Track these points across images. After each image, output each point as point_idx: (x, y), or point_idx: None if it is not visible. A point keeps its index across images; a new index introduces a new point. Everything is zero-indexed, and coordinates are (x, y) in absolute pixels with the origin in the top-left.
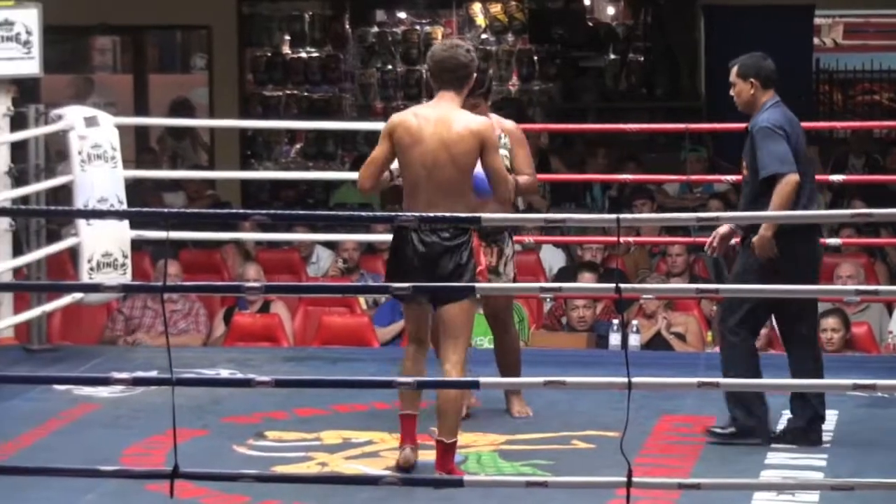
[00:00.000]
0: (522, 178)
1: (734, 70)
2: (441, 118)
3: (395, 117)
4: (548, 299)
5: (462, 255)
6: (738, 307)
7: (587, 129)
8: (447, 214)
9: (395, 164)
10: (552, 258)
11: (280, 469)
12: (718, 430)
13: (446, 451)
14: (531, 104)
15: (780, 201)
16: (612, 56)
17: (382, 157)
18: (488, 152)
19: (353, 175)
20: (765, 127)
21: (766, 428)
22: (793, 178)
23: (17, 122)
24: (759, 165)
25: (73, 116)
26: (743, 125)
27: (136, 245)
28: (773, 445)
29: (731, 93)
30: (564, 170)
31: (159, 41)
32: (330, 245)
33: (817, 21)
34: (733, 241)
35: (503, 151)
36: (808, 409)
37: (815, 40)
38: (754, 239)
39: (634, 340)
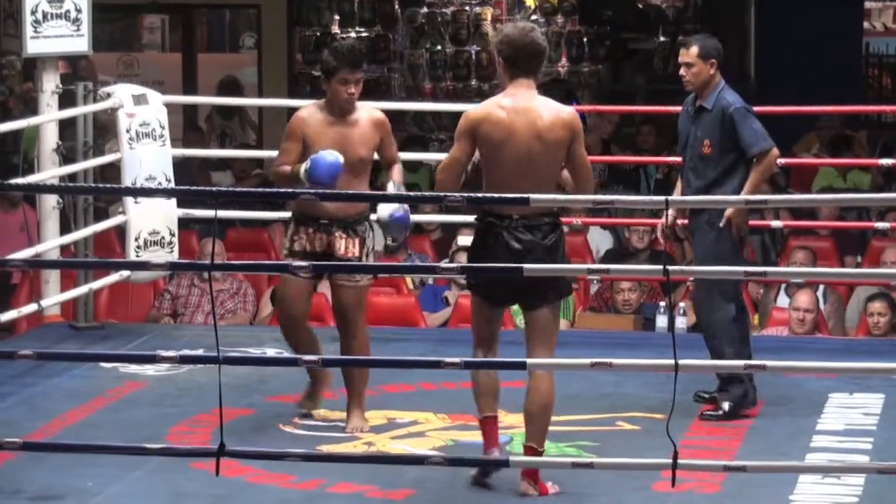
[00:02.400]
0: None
1: (694, 50)
2: (529, 108)
3: (475, 113)
4: (595, 281)
5: (557, 254)
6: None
7: (635, 110)
8: (495, 195)
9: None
10: (600, 240)
11: (326, 448)
12: (712, 413)
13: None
14: (580, 86)
15: (766, 173)
16: (662, 38)
17: (465, 156)
18: (577, 142)
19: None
20: (741, 107)
21: (754, 394)
22: (776, 151)
23: (66, 100)
24: (747, 143)
25: (121, 94)
26: (794, 108)
27: (184, 224)
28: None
29: (684, 73)
30: (620, 153)
31: (208, 20)
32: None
33: (867, 5)
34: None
35: None
36: (740, 387)
37: (865, 24)
38: (730, 213)
39: (681, 323)
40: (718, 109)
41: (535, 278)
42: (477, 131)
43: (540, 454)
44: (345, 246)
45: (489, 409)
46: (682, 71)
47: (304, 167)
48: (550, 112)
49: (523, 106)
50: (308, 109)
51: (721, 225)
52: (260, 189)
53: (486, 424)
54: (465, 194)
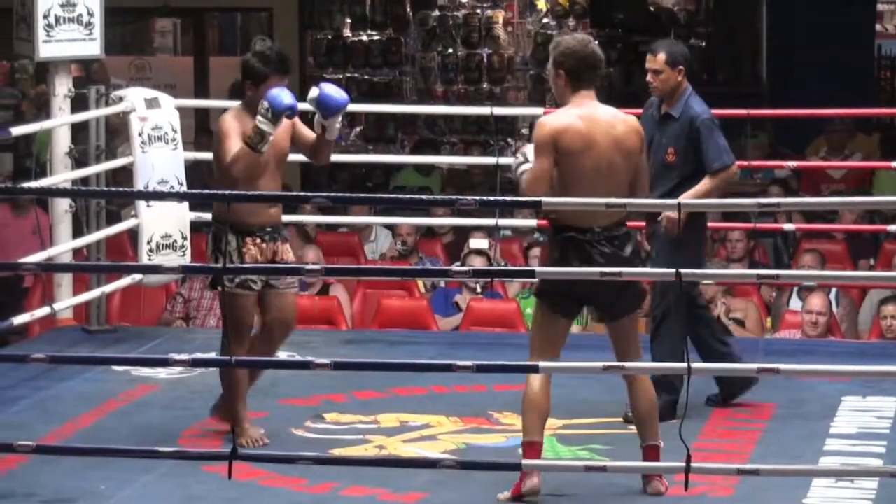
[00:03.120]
0: None
1: (661, 57)
2: (603, 117)
3: (553, 124)
4: None
5: (636, 265)
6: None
7: None
8: (504, 198)
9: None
10: None
11: (338, 452)
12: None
13: (659, 453)
14: None
15: (720, 186)
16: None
17: (551, 167)
18: (644, 149)
19: (414, 158)
20: (707, 119)
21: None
22: (735, 168)
23: (78, 103)
24: (711, 158)
25: (133, 98)
26: (806, 111)
27: (196, 227)
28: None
29: (651, 79)
30: None
31: (220, 23)
32: (388, 225)
33: (880, 7)
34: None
35: None
36: (674, 392)
37: (878, 26)
38: (666, 220)
39: None
40: (686, 119)
41: (619, 290)
42: (558, 142)
43: (660, 450)
44: (288, 252)
45: (538, 434)
46: (649, 77)
47: (259, 116)
48: (622, 120)
49: (597, 115)
50: (233, 114)
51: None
52: (272, 192)
53: (533, 449)
54: (478, 197)
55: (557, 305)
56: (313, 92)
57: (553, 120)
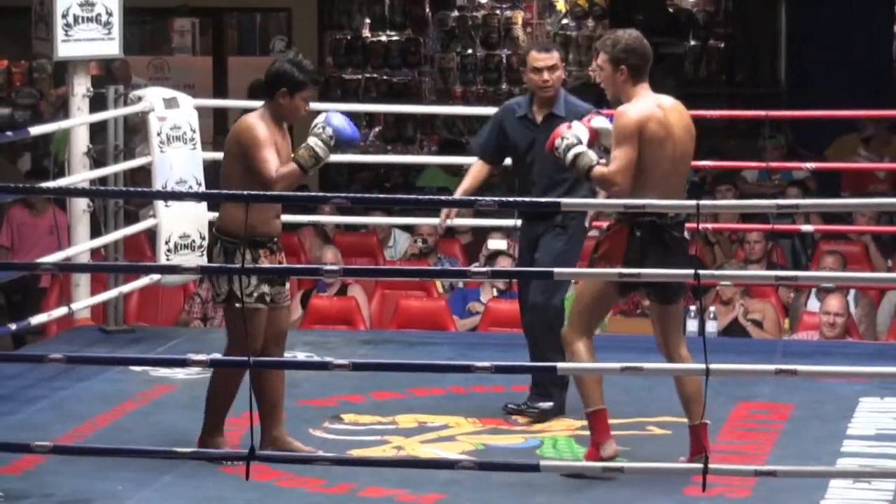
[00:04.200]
0: None
1: (556, 54)
2: (674, 106)
3: (637, 112)
4: None
5: (688, 248)
6: (562, 288)
7: None
8: (523, 199)
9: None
10: None
11: (356, 452)
12: (530, 408)
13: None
14: None
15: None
16: (693, 42)
17: (635, 155)
18: None
19: (434, 159)
20: None
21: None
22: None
23: (97, 103)
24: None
25: (152, 98)
26: (824, 112)
27: None
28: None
29: (547, 77)
30: None
31: (239, 23)
32: (407, 228)
33: None
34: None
35: None
36: (562, 396)
37: None
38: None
39: (711, 327)
40: (576, 116)
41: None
42: (644, 130)
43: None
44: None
45: (601, 399)
46: (545, 76)
47: (319, 140)
48: (685, 110)
49: (669, 106)
50: (257, 119)
51: (587, 225)
52: (290, 193)
53: (600, 416)
54: (497, 198)
55: (619, 283)
56: (322, 119)
57: (632, 109)
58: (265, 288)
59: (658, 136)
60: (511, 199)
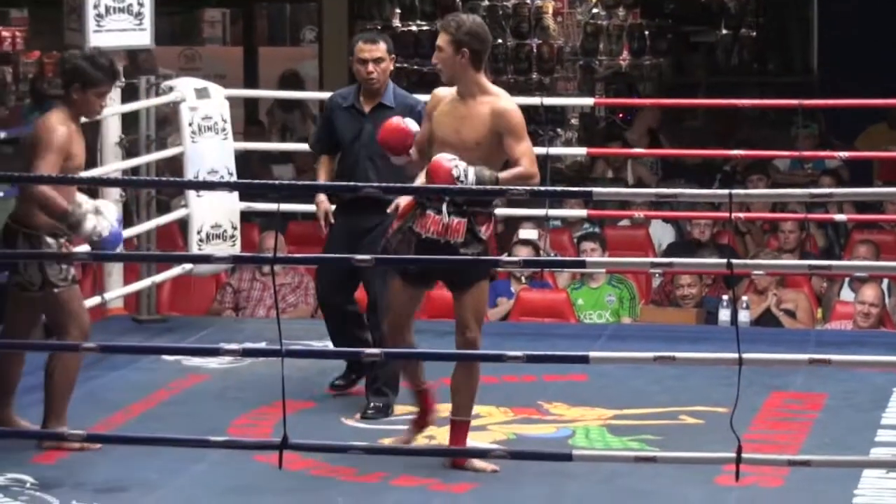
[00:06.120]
0: None
1: (382, 46)
2: None
3: (515, 104)
4: (657, 275)
5: None
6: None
7: (698, 104)
8: (554, 189)
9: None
10: (662, 233)
11: (388, 442)
12: (372, 411)
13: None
14: (641, 79)
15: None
16: (724, 31)
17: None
18: None
19: None
20: (423, 105)
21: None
22: None
23: (128, 94)
24: None
25: (183, 88)
26: (858, 101)
27: (246, 217)
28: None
29: (372, 69)
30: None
31: (269, 14)
32: None
33: None
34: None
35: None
36: (395, 391)
37: None
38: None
39: (744, 316)
40: (405, 106)
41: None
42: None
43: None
44: None
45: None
46: (370, 67)
47: (93, 224)
48: None
49: None
50: (60, 119)
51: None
52: (322, 182)
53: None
54: (529, 188)
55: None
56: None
57: (512, 102)
58: (72, 270)
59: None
60: (542, 188)
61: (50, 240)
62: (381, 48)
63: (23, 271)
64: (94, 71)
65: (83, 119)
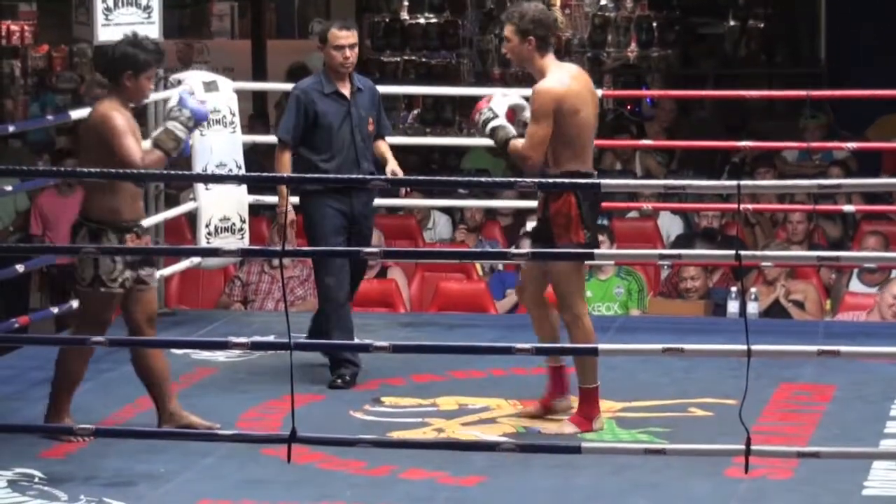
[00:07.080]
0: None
1: (355, 32)
2: (581, 76)
3: (555, 90)
4: (665, 266)
5: None
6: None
7: (706, 95)
8: (563, 181)
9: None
10: (670, 225)
11: (396, 435)
12: (340, 382)
13: None
14: (649, 71)
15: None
16: (732, 22)
17: (550, 132)
18: None
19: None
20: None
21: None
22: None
23: None
24: (385, 124)
25: (192, 81)
26: (866, 92)
27: (254, 210)
28: None
29: (349, 55)
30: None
31: (277, 6)
32: (446, 211)
33: None
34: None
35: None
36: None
37: None
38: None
39: (752, 308)
40: (370, 89)
41: None
42: (561, 106)
43: None
44: None
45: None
46: (347, 53)
47: (178, 123)
48: (587, 76)
49: (577, 73)
50: (113, 106)
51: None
52: (330, 175)
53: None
54: (536, 179)
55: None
56: (176, 101)
57: (553, 87)
58: (128, 273)
59: (574, 109)
60: (551, 180)
61: (112, 235)
62: (354, 34)
63: (78, 264)
64: (144, 54)
65: (135, 103)
